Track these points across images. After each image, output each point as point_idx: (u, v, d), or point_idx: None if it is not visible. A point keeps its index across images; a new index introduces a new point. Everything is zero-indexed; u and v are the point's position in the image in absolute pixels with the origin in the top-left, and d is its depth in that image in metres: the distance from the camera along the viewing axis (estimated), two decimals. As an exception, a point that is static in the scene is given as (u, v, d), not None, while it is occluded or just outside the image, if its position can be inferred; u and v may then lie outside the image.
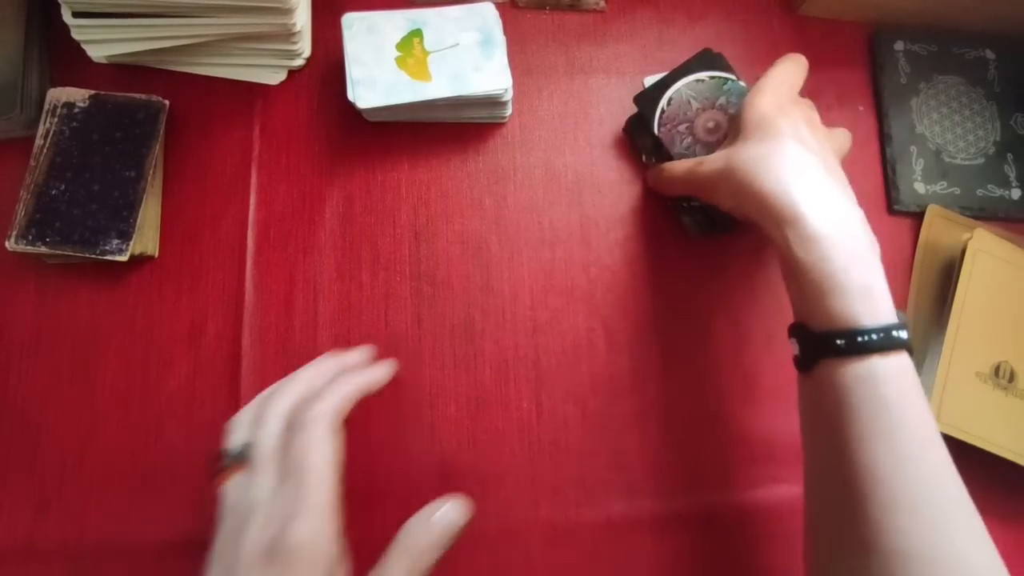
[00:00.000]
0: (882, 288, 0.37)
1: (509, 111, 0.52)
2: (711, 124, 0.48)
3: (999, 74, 0.57)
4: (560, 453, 0.46)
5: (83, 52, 0.49)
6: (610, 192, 0.52)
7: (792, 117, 0.42)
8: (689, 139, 0.48)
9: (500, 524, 0.45)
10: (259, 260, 0.48)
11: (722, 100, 0.48)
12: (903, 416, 0.35)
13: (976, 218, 0.53)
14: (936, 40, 0.57)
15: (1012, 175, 0.55)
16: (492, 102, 0.50)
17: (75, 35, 0.47)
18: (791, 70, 0.45)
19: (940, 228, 0.53)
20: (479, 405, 0.47)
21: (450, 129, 0.52)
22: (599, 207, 0.52)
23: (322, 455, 0.33)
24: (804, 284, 0.37)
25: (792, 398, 0.49)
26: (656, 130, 0.49)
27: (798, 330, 0.39)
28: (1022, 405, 0.48)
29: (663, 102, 0.49)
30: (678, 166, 0.47)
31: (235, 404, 0.45)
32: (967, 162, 0.55)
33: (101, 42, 0.47)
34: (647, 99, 0.50)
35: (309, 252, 0.49)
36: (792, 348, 0.40)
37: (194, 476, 0.44)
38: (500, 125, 0.53)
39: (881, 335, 0.35)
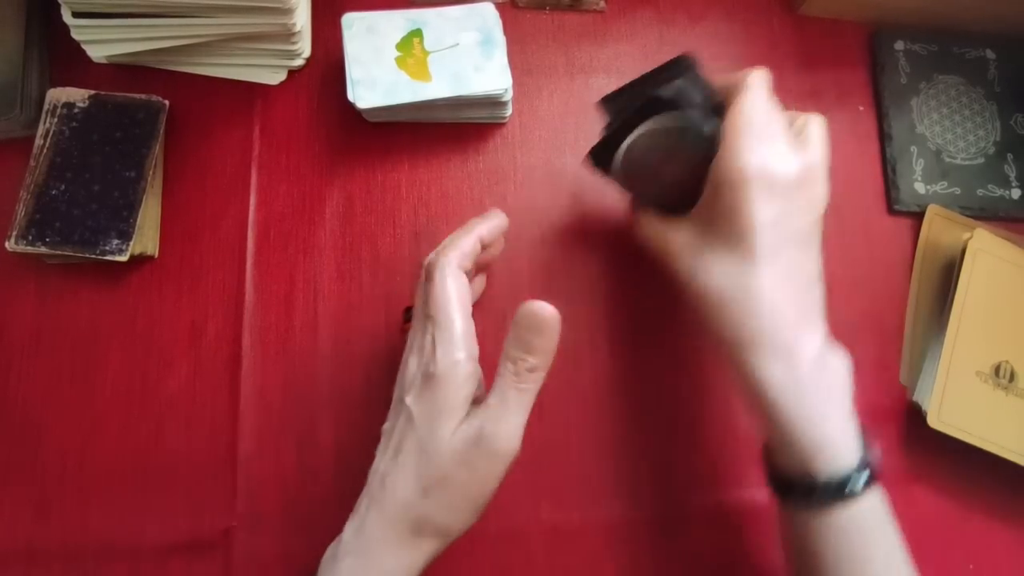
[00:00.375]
0: (852, 430, 0.37)
1: (509, 111, 0.52)
2: (671, 179, 0.43)
3: (999, 74, 0.57)
4: (561, 454, 0.46)
5: (83, 52, 0.49)
6: (611, 192, 0.52)
7: (773, 192, 0.37)
8: (654, 188, 0.44)
9: (501, 526, 0.45)
10: (259, 260, 0.48)
11: (682, 148, 0.41)
12: (869, 561, 0.36)
13: (976, 218, 0.53)
14: (936, 40, 0.57)
15: (1012, 175, 0.55)
16: (492, 102, 0.50)
17: (75, 35, 0.47)
18: (760, 95, 0.39)
19: (940, 228, 0.53)
20: (479, 405, 0.47)
21: (450, 129, 0.52)
22: (600, 207, 0.51)
23: (443, 298, 0.36)
24: (772, 424, 0.37)
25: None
26: (621, 184, 0.45)
27: (764, 461, 0.40)
28: (1022, 405, 0.48)
29: (619, 155, 0.43)
30: (647, 228, 0.43)
31: (235, 404, 0.45)
32: (967, 162, 0.55)
33: (101, 42, 0.47)
34: (604, 150, 0.44)
35: (309, 252, 0.49)
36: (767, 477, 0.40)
37: (195, 477, 0.44)
38: (500, 125, 0.53)
39: (839, 485, 0.35)
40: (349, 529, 0.36)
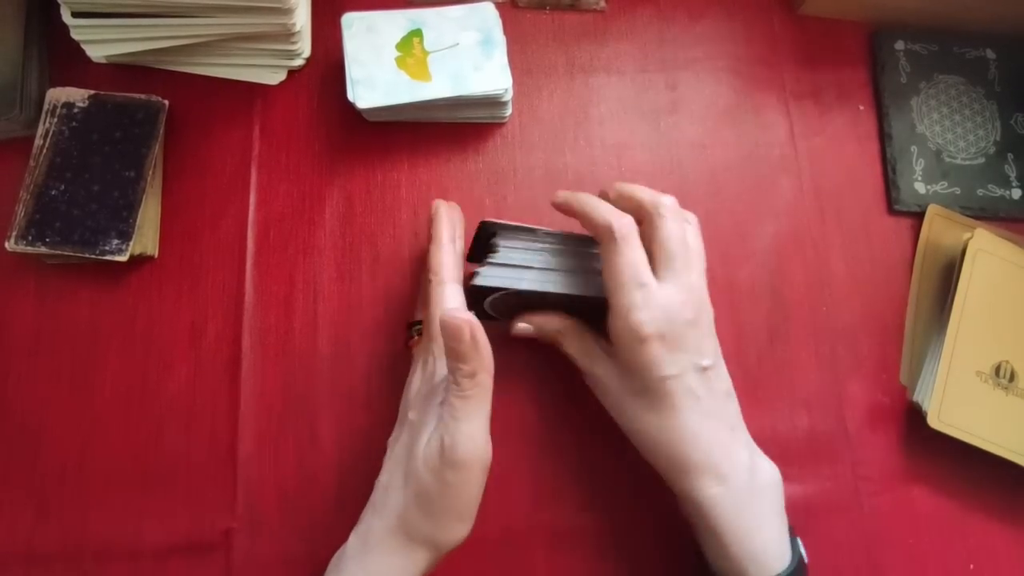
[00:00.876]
0: (785, 533, 0.38)
1: (509, 111, 0.52)
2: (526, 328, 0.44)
3: (999, 74, 0.57)
4: (562, 455, 0.46)
5: (83, 52, 0.49)
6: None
7: (672, 341, 0.38)
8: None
9: (501, 528, 0.44)
10: (259, 260, 0.48)
11: (535, 301, 0.43)
12: None
13: (976, 218, 0.53)
14: (937, 39, 0.57)
15: (1012, 175, 0.55)
16: (492, 102, 0.50)
17: (75, 35, 0.47)
18: (628, 247, 0.39)
19: (940, 228, 0.53)
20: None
21: (450, 129, 0.52)
22: (599, 207, 0.51)
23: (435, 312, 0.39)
24: (711, 537, 0.38)
25: (795, 397, 0.49)
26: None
27: (701, 572, 0.40)
28: (1022, 405, 0.48)
29: (489, 311, 0.44)
30: (575, 351, 0.43)
31: (235, 405, 0.45)
32: (967, 162, 0.55)
33: (100, 42, 0.47)
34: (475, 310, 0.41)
35: (309, 252, 0.49)
36: None
37: (195, 478, 0.44)
38: (500, 125, 0.53)
39: None
40: (353, 536, 0.37)
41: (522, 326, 0.44)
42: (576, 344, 0.43)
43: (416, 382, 0.40)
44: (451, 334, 0.34)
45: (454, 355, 0.35)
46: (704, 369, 0.39)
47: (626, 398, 0.40)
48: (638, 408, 0.40)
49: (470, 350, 0.34)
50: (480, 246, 0.44)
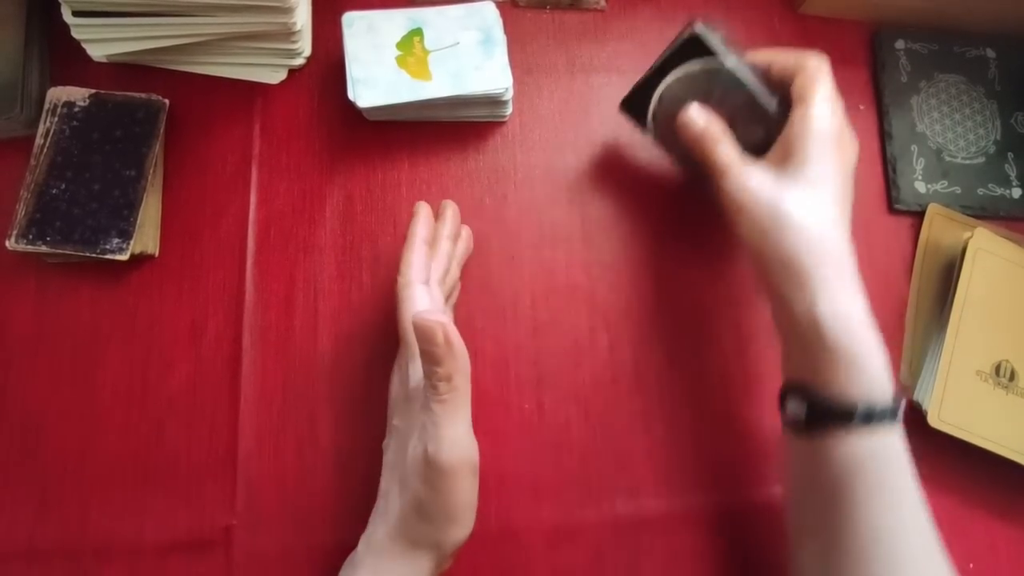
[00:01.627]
0: (888, 364, 0.38)
1: (509, 110, 0.52)
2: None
3: (1000, 73, 0.57)
4: (562, 453, 0.46)
5: (83, 51, 0.49)
6: (611, 191, 0.52)
7: (847, 152, 0.42)
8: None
9: (502, 525, 0.45)
10: (259, 259, 0.48)
11: (717, 92, 0.44)
12: (906, 485, 0.37)
13: (977, 217, 0.53)
14: (937, 39, 0.57)
15: (1013, 174, 0.55)
16: (492, 101, 0.50)
17: (75, 34, 0.47)
18: (831, 80, 0.43)
19: (941, 227, 0.53)
20: (480, 405, 0.46)
21: (450, 128, 0.52)
22: (600, 206, 0.51)
23: (408, 320, 0.38)
24: (823, 353, 0.38)
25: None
26: (653, 135, 0.48)
27: (806, 393, 0.39)
28: (1022, 404, 0.48)
29: (653, 104, 0.46)
30: (712, 155, 0.43)
31: (235, 404, 0.45)
32: (968, 161, 0.55)
33: (101, 41, 0.47)
34: (635, 103, 0.48)
35: (309, 251, 0.49)
36: (790, 409, 0.40)
37: (195, 475, 0.44)
38: (500, 124, 0.53)
39: (893, 410, 0.37)
40: (362, 543, 0.37)
41: (694, 113, 0.44)
42: (732, 151, 0.43)
43: (395, 386, 0.40)
44: (424, 336, 0.33)
45: (429, 358, 0.34)
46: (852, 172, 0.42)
47: (786, 170, 0.41)
48: (798, 185, 0.40)
49: (444, 353, 0.33)
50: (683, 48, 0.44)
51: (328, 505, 0.44)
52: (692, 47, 0.44)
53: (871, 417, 0.37)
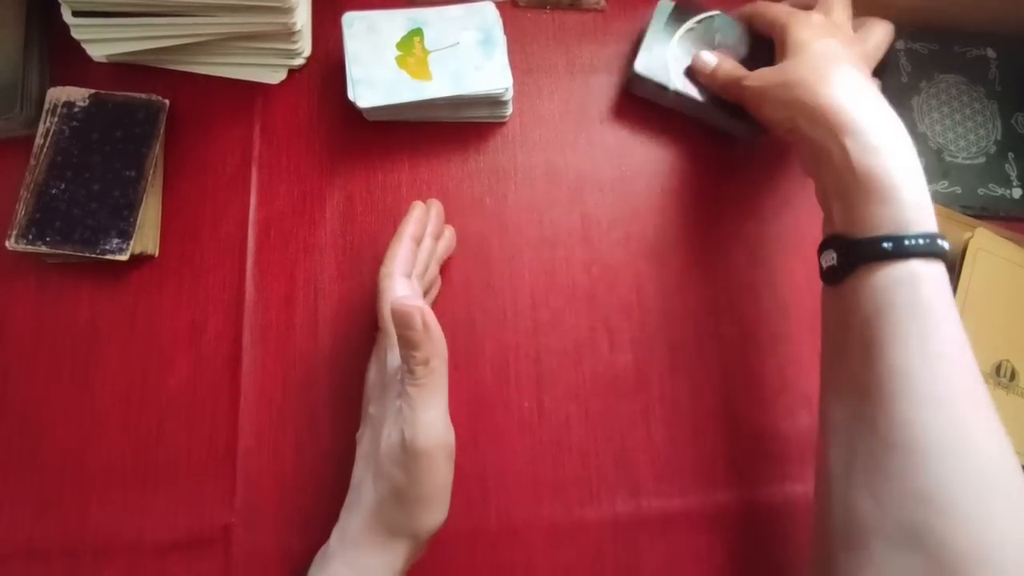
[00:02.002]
0: (929, 202, 0.38)
1: (510, 110, 0.52)
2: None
3: (1000, 73, 0.57)
4: (562, 452, 0.46)
5: (83, 51, 0.49)
6: (611, 191, 0.52)
7: (838, 40, 0.44)
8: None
9: (502, 524, 0.45)
10: (259, 259, 0.48)
11: (718, 38, 0.51)
12: (938, 317, 0.36)
13: (977, 217, 0.53)
14: (937, 39, 0.57)
15: (1013, 174, 0.55)
16: (493, 101, 0.50)
17: (75, 34, 0.47)
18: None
19: (941, 227, 0.52)
20: (480, 404, 0.47)
21: (450, 128, 0.52)
22: (600, 206, 0.51)
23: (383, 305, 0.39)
24: (857, 192, 0.38)
25: (797, 396, 0.49)
26: (675, 88, 0.51)
27: (837, 241, 0.39)
28: (1022, 404, 0.48)
29: (669, 65, 0.51)
30: (729, 75, 0.48)
31: (235, 403, 0.45)
32: (968, 161, 0.55)
33: (101, 41, 0.47)
34: (643, 77, 0.51)
35: (310, 251, 0.49)
36: (824, 261, 0.40)
37: (195, 474, 0.44)
38: (501, 124, 0.53)
39: (927, 240, 0.36)
40: (335, 535, 0.38)
41: (705, 56, 0.50)
42: (743, 69, 0.48)
43: (372, 375, 0.40)
44: (402, 321, 0.34)
45: (406, 343, 0.35)
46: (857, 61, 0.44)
47: (787, 59, 0.44)
48: (800, 60, 0.43)
49: (422, 337, 0.34)
50: None
51: (328, 504, 0.44)
52: (679, 13, 0.52)
53: (901, 246, 0.36)
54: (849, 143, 0.39)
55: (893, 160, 0.38)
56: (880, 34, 0.48)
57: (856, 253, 0.38)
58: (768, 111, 0.45)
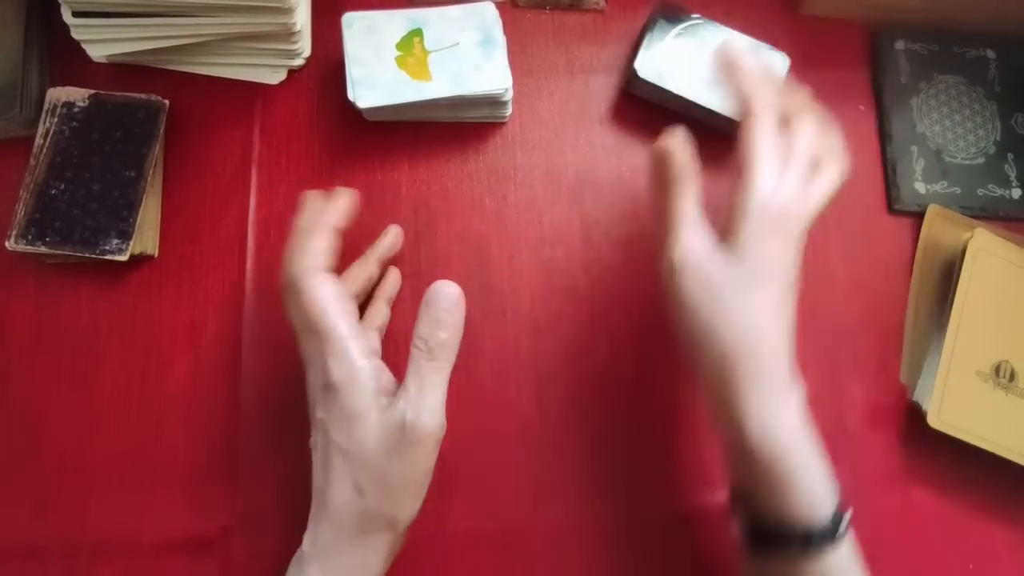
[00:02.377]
0: (829, 475, 0.37)
1: (509, 111, 0.52)
2: (709, 68, 0.48)
3: (1000, 74, 0.57)
4: (561, 453, 0.46)
5: (83, 51, 0.49)
6: (611, 191, 0.52)
7: (788, 231, 0.37)
8: (699, 81, 0.51)
9: (500, 525, 0.45)
10: (259, 259, 0.48)
11: (709, 44, 0.52)
12: None
13: (976, 218, 0.53)
14: (937, 39, 0.57)
15: (1012, 175, 0.55)
16: (492, 101, 0.50)
17: (75, 35, 0.47)
18: (766, 125, 0.38)
19: (940, 228, 0.53)
20: (479, 405, 0.47)
21: (450, 129, 0.52)
22: (600, 206, 0.51)
23: (316, 308, 0.37)
24: (755, 470, 0.36)
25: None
26: (675, 89, 0.51)
27: (747, 506, 0.38)
28: (1022, 404, 0.48)
29: (669, 65, 0.51)
30: (680, 200, 0.39)
31: (235, 403, 0.45)
32: (967, 162, 0.55)
33: (101, 41, 0.47)
34: (647, 73, 0.51)
35: (309, 252, 0.49)
36: (737, 520, 0.39)
37: (194, 475, 0.44)
38: (500, 125, 0.53)
39: (835, 528, 0.35)
40: (306, 541, 0.37)
41: (677, 143, 0.39)
42: (693, 205, 0.39)
43: (312, 379, 0.37)
44: (448, 304, 0.36)
45: (437, 323, 0.35)
46: (794, 267, 0.38)
47: (723, 279, 0.36)
48: (731, 273, 0.36)
49: (456, 319, 0.36)
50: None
51: (327, 505, 0.44)
52: (668, 16, 0.52)
53: (810, 541, 0.35)
54: (752, 422, 0.35)
55: (797, 440, 0.36)
56: (829, 179, 0.39)
57: (767, 535, 0.37)
58: (679, 295, 0.37)
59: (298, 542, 0.43)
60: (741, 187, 0.37)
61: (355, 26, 0.49)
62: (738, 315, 0.36)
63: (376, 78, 0.48)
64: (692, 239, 0.38)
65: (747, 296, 0.36)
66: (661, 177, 0.40)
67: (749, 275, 0.36)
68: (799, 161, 0.38)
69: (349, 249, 0.49)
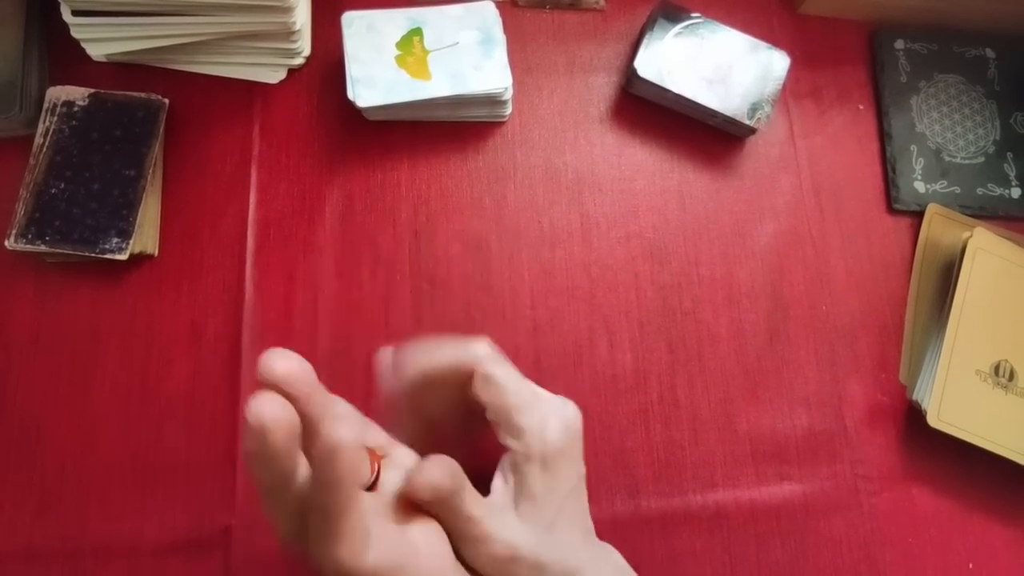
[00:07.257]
0: None
1: (509, 110, 0.52)
2: (709, 67, 0.52)
3: (999, 73, 0.57)
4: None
5: (83, 50, 0.49)
6: (610, 191, 0.52)
7: (570, 465, 0.36)
8: (699, 80, 0.51)
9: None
10: (259, 259, 0.48)
11: (706, 41, 0.52)
12: None
13: (976, 217, 0.53)
14: (936, 39, 0.57)
15: (1012, 174, 0.55)
16: (492, 101, 0.50)
17: (75, 33, 0.47)
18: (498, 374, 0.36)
19: (940, 227, 0.53)
20: (479, 404, 0.47)
21: (450, 128, 0.52)
22: (599, 206, 0.51)
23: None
24: None
25: (796, 396, 0.49)
26: (675, 89, 0.51)
27: None
28: (1022, 404, 0.48)
29: (668, 65, 0.51)
30: (462, 506, 0.31)
31: (235, 403, 0.45)
32: (967, 161, 0.55)
33: (101, 40, 0.47)
34: (647, 72, 0.51)
35: (309, 251, 0.49)
36: None
37: (194, 476, 0.44)
38: (500, 124, 0.53)
39: None
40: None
41: (433, 468, 0.31)
42: (477, 497, 0.32)
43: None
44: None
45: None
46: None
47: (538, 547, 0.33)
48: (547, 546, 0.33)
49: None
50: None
51: (328, 505, 0.44)
52: (668, 15, 0.53)
53: None
54: None
55: None
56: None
57: None
58: None
59: (298, 542, 0.43)
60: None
61: (355, 25, 0.49)
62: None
63: (376, 77, 0.48)
64: (505, 530, 0.32)
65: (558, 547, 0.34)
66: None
67: (548, 530, 0.35)
68: None
69: (350, 253, 0.49)
